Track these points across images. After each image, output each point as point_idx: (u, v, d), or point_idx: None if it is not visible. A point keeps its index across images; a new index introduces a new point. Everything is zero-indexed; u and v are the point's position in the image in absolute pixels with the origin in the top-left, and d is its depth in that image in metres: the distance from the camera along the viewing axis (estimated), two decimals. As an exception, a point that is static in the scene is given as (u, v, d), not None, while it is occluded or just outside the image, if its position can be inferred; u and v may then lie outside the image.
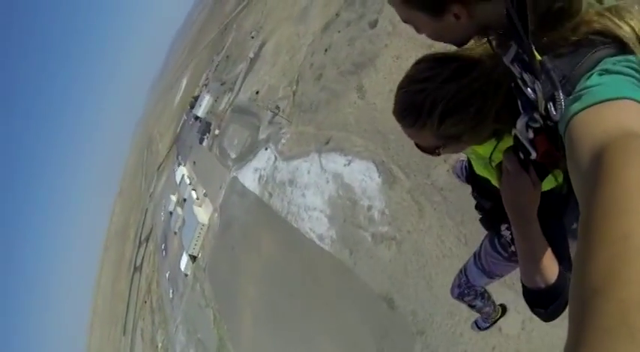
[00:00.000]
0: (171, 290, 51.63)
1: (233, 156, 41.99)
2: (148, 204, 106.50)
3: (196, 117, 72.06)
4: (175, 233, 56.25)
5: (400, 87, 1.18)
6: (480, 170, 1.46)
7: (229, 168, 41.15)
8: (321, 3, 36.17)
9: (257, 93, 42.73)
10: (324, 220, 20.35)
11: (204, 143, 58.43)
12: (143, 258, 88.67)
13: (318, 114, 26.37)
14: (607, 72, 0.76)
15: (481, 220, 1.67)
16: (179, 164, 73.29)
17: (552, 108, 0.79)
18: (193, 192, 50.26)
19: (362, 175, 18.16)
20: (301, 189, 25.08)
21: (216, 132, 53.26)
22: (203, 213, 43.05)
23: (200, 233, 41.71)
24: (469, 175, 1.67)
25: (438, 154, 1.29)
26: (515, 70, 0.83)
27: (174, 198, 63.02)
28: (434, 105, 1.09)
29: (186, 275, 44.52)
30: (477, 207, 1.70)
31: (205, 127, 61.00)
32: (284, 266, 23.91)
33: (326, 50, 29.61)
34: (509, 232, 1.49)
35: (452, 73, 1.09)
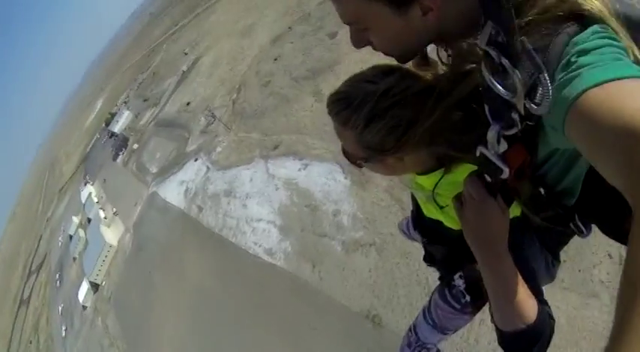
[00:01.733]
0: (64, 328, 44.41)
1: (154, 170, 38.44)
2: (44, 230, 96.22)
3: (112, 135, 67.56)
4: (75, 259, 49.72)
5: (345, 81, 1.08)
6: (428, 211, 1.35)
7: (148, 183, 37.55)
8: (270, 19, 35.70)
9: (188, 104, 41.49)
10: (274, 232, 17.66)
11: (119, 159, 53.56)
12: (32, 289, 78.05)
13: (264, 119, 24.63)
14: (585, 51, 0.69)
15: (436, 270, 1.58)
16: (86, 183, 66.55)
17: (531, 104, 0.70)
18: (101, 211, 44.96)
19: (323, 178, 16.31)
20: (241, 199, 22.22)
21: (135, 146, 49.34)
22: (111, 234, 38.26)
23: (106, 256, 36.68)
24: (416, 220, 1.61)
25: (360, 166, 1.17)
26: (493, 53, 0.70)
27: (76, 219, 56.38)
28: (364, 101, 0.98)
29: (84, 307, 38.18)
30: (425, 258, 1.63)
31: (122, 143, 56.39)
32: (218, 291, 20.01)
33: (276, 59, 28.79)
34: (462, 281, 1.34)
35: (398, 83, 0.98)
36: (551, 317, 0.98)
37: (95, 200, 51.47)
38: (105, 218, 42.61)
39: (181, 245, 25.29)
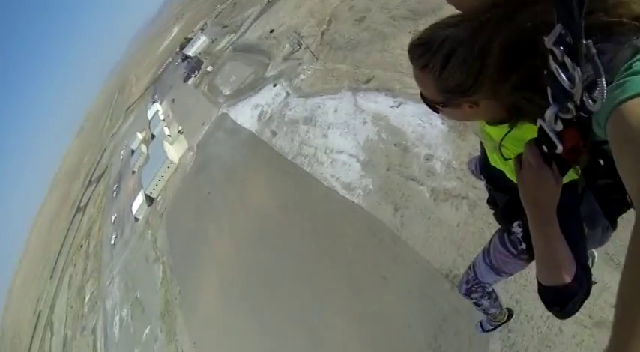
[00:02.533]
0: (114, 236, 45.03)
1: (226, 92, 36.93)
2: (108, 144, 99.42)
3: (185, 58, 66.82)
4: (134, 172, 49.90)
5: (426, 27, 1.14)
6: (494, 160, 1.42)
7: (219, 104, 36.28)
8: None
9: (271, 31, 38.57)
10: (356, 166, 15.56)
11: (190, 81, 52.43)
12: (90, 198, 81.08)
13: (356, 52, 21.98)
14: None
15: (494, 215, 1.65)
16: (154, 102, 66.39)
17: (588, 99, 0.74)
18: (166, 129, 44.35)
19: (418, 119, 14.34)
20: (322, 128, 19.76)
21: (209, 69, 47.70)
22: (174, 151, 37.38)
23: (165, 172, 35.89)
24: (483, 166, 1.66)
25: (437, 111, 1.23)
26: (557, 53, 0.74)
27: (140, 135, 56.88)
28: (442, 45, 1.03)
29: (136, 219, 38.07)
30: (489, 201, 1.69)
31: (195, 65, 55.40)
32: (282, 220, 17.87)
33: (371, -5, 26.09)
34: (520, 229, 1.48)
35: (477, 28, 0.99)
36: (588, 281, 1.05)
37: (161, 117, 51.06)
38: (169, 135, 42.02)
39: (247, 168, 23.40)
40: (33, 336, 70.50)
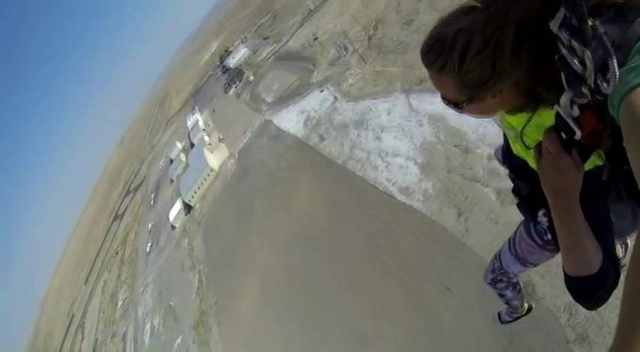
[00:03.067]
0: (149, 244, 44.91)
1: (269, 100, 36.61)
2: (147, 155, 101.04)
3: (226, 70, 67.78)
4: (172, 181, 50.33)
5: (430, 30, 1.11)
6: (516, 149, 1.41)
7: (261, 112, 35.98)
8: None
9: (315, 39, 38.28)
10: (413, 169, 14.80)
11: (231, 91, 52.88)
12: (127, 207, 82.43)
13: (407, 54, 21.23)
14: None
15: (518, 205, 1.64)
16: (194, 112, 66.86)
17: (602, 81, 0.72)
18: (206, 137, 44.46)
19: (478, 119, 12.51)
20: (375, 132, 18.80)
21: (251, 78, 47.98)
22: (214, 159, 37.09)
23: (205, 179, 35.60)
24: (506, 156, 1.66)
25: (461, 109, 1.18)
26: (564, 36, 0.74)
27: (179, 144, 57.54)
28: (454, 42, 1.01)
29: (173, 227, 37.77)
30: (513, 190, 1.65)
31: (236, 76, 55.99)
32: (331, 226, 16.85)
33: (419, -1, 25.17)
34: (546, 219, 1.45)
35: (482, 16, 0.97)
36: (616, 271, 1.02)
37: (202, 127, 51.31)
38: (209, 143, 41.85)
39: (293, 174, 22.38)
40: (64, 338, 70.79)
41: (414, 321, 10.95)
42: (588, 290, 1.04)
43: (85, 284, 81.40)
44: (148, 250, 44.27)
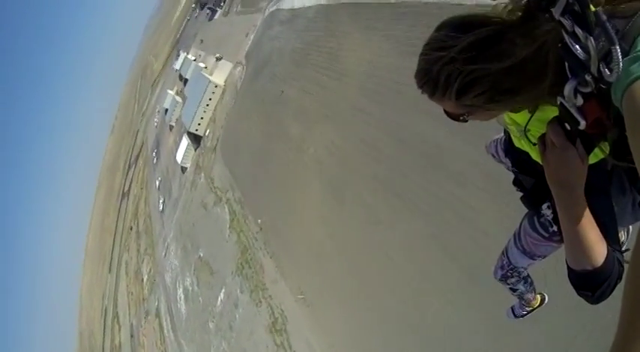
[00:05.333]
0: (161, 201, 39.64)
1: None
2: (140, 124, 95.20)
3: (204, 4, 60.77)
4: (172, 127, 45.02)
5: (420, 52, 1.05)
6: (519, 143, 1.41)
7: (262, 9, 30.62)
8: None
9: None
10: None
11: (218, 14, 47.32)
12: (132, 179, 77.28)
13: None
14: None
15: (522, 198, 1.58)
16: (178, 55, 61.07)
17: (606, 69, 0.72)
18: (201, 64, 39.12)
19: None
20: None
21: None
22: (217, 77, 31.63)
23: (209, 102, 30.10)
24: (508, 149, 1.68)
25: (465, 121, 1.16)
26: (567, 23, 0.73)
27: (171, 91, 51.44)
28: (448, 80, 0.96)
29: (184, 169, 32.55)
30: (515, 182, 1.65)
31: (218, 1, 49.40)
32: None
33: None
34: (550, 211, 1.41)
35: (469, 44, 0.94)
36: (620, 264, 1.00)
37: (192, 58, 46.15)
38: (205, 67, 36.87)
39: (330, 37, 15.60)
40: (104, 333, 69.06)
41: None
42: (592, 284, 1.01)
43: (110, 273, 78.35)
44: (161, 208, 39.26)
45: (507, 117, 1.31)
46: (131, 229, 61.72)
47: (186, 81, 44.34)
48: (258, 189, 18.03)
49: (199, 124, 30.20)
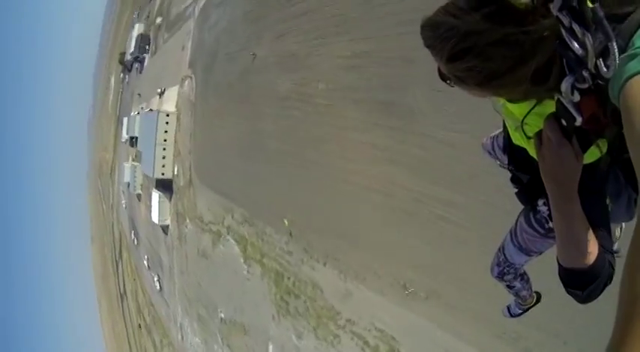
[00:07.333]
0: (156, 280, 36.02)
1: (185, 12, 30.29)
2: (112, 216, 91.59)
3: (130, 62, 59.11)
4: (139, 195, 42.32)
5: (442, 5, 1.03)
6: (516, 139, 1.39)
7: (190, 15, 28.16)
8: None
9: None
10: None
11: (146, 55, 46.78)
12: (123, 277, 72.54)
13: None
14: None
15: (517, 194, 1.63)
16: (122, 124, 60.86)
17: (603, 65, 0.74)
18: (145, 109, 38.99)
19: None
20: None
21: (158, 21, 41.29)
22: (166, 106, 29.05)
23: (166, 131, 26.74)
24: (506, 145, 1.66)
25: (451, 86, 1.15)
26: (564, 19, 0.73)
27: (127, 163, 48.91)
28: (447, 37, 0.95)
29: (165, 230, 28.38)
30: (512, 179, 1.65)
31: (141, 42, 48.18)
32: None
33: None
34: (546, 208, 1.43)
35: (486, 14, 0.91)
36: (611, 266, 1.01)
37: (135, 114, 43.75)
38: (151, 110, 34.07)
39: None
40: None
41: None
42: (582, 283, 1.01)
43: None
44: (158, 287, 35.45)
45: (505, 108, 1.24)
46: (140, 327, 56.95)
47: (136, 140, 41.77)
48: (260, 189, 13.46)
49: (163, 166, 26.62)
